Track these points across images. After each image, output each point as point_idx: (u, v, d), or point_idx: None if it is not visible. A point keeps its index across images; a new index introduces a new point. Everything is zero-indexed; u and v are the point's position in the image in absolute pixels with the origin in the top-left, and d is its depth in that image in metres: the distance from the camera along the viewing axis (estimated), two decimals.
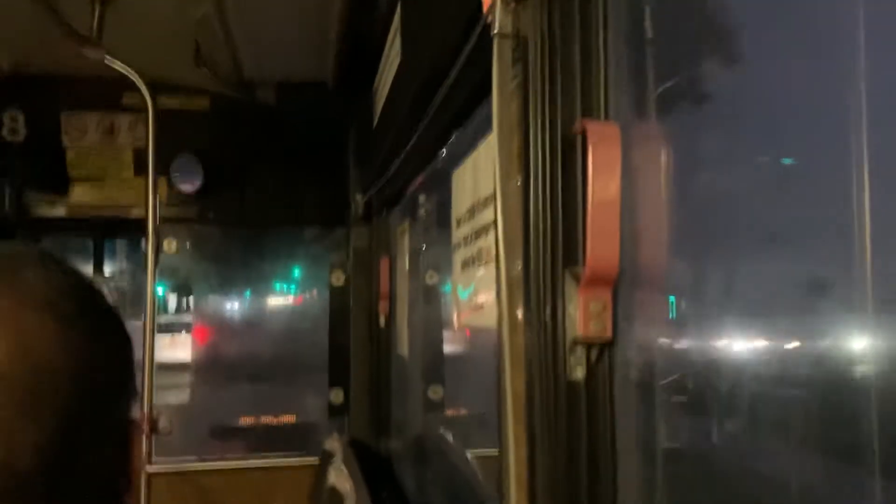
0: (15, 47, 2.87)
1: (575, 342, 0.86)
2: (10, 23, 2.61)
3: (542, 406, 0.89)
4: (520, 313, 0.94)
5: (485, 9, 1.15)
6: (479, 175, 1.44)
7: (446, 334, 2.49)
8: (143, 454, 2.63)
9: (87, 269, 3.68)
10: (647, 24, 0.96)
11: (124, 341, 0.71)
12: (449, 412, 2.50)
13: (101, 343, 0.67)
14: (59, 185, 3.19)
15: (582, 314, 0.84)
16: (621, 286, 0.87)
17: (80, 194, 3.22)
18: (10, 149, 3.10)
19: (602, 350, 0.86)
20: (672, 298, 1.03)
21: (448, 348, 2.49)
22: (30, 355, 0.60)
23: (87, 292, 0.69)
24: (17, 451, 0.57)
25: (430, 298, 2.44)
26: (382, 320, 2.84)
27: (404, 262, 2.61)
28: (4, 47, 2.86)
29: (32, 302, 0.62)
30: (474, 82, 1.36)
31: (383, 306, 2.80)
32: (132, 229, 3.19)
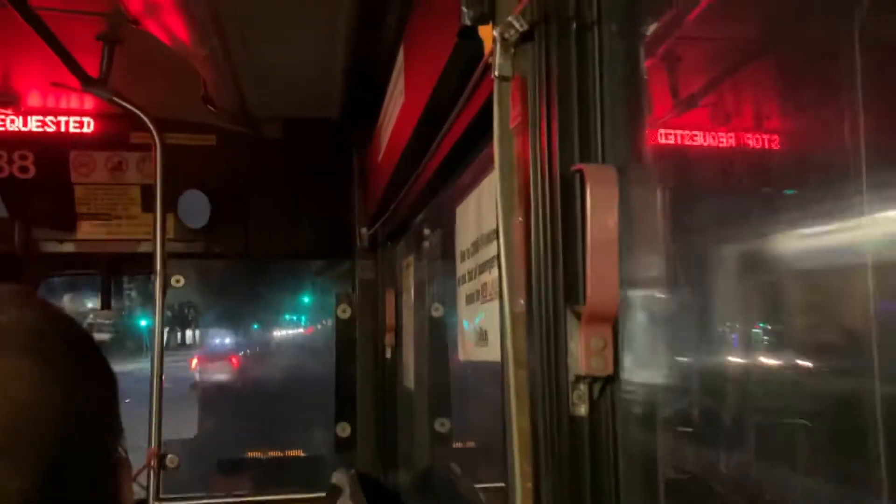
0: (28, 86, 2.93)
1: (577, 378, 0.87)
2: (24, 63, 2.67)
3: (546, 441, 0.90)
4: (523, 349, 0.96)
5: (486, 51, 1.18)
6: (483, 211, 1.47)
7: (453, 366, 2.50)
8: (152, 490, 2.63)
9: (95, 303, 3.71)
10: (643, 66, 0.99)
11: (107, 378, 0.70)
12: (456, 445, 2.50)
13: (83, 382, 0.65)
14: (68, 221, 3.22)
15: (583, 351, 0.86)
16: (621, 322, 0.88)
17: (89, 230, 3.26)
18: (20, 186, 3.14)
19: (604, 386, 0.88)
20: (671, 332, 1.04)
21: (455, 381, 2.50)
22: (10, 401, 0.58)
23: (68, 331, 0.68)
24: (2, 499, 0.56)
25: (435, 331, 2.45)
26: (389, 353, 2.85)
27: (410, 295, 2.63)
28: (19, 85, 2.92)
29: (10, 345, 0.61)
30: (477, 121, 1.39)
31: (389, 339, 2.82)
32: (140, 264, 3.22)
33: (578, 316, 0.87)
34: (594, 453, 0.88)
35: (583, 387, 0.87)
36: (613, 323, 0.87)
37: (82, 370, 0.66)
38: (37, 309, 0.67)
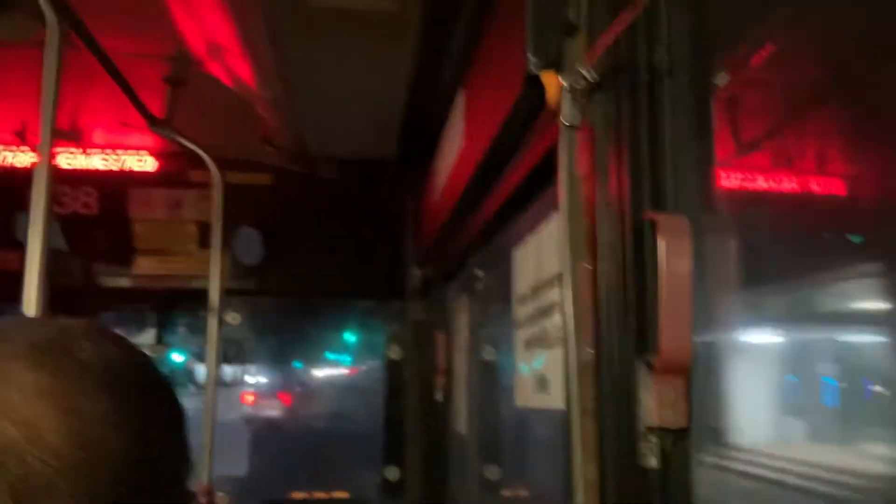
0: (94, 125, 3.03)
1: (648, 430, 0.86)
2: (91, 102, 2.77)
3: (615, 494, 0.89)
4: (591, 398, 0.95)
5: (549, 99, 1.19)
6: (543, 255, 1.46)
7: (506, 412, 2.47)
8: None
9: (149, 338, 3.77)
10: (713, 115, 0.99)
11: (178, 414, 0.70)
12: (508, 493, 2.45)
13: (155, 419, 0.66)
14: (126, 256, 3.30)
15: (656, 402, 0.85)
16: (695, 373, 0.87)
17: (146, 266, 3.32)
18: (82, 221, 3.23)
19: (677, 438, 0.86)
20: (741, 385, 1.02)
21: (509, 426, 2.46)
22: (87, 439, 0.59)
23: (141, 366, 0.69)
24: None
25: (488, 375, 2.44)
26: (439, 396, 2.83)
27: (462, 337, 2.62)
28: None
29: (86, 382, 0.62)
30: (538, 165, 1.40)
31: (440, 381, 2.80)
32: (194, 300, 3.27)
33: (650, 366, 0.86)
34: None
35: (654, 439, 0.86)
36: (687, 374, 0.86)
37: (156, 408, 0.67)
38: (112, 344, 0.68)
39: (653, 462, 0.86)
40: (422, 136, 2.62)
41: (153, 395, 0.68)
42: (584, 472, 0.92)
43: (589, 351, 0.95)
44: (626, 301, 0.91)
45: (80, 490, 0.58)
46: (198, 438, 2.70)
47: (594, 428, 0.92)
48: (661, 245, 0.86)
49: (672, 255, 0.85)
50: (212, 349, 2.77)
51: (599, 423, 0.92)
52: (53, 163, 1.54)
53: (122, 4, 2.06)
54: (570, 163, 1.06)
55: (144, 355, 0.71)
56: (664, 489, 0.86)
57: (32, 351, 0.62)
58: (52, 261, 1.43)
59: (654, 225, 0.88)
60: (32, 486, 0.57)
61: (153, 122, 2.64)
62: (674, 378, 0.85)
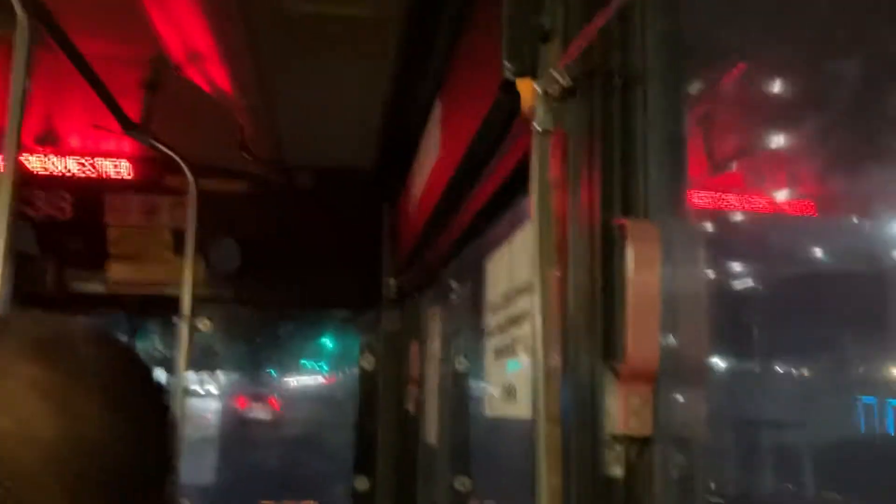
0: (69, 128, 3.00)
1: (614, 438, 0.85)
2: (66, 105, 2.74)
3: (578, 503, 0.87)
4: (557, 405, 0.94)
5: (523, 105, 1.19)
6: (515, 263, 1.45)
7: (476, 422, 2.46)
8: None
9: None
10: (686, 123, 0.99)
11: (169, 421, 0.71)
12: None
13: (149, 424, 0.67)
14: (99, 261, 3.26)
15: (621, 409, 0.84)
16: (661, 381, 0.86)
17: (119, 271, 3.28)
18: (56, 226, 3.19)
19: (642, 447, 0.85)
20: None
21: (480, 437, 2.45)
22: (79, 438, 0.60)
23: (138, 371, 0.70)
24: None
25: (460, 385, 2.42)
26: (411, 406, 2.81)
27: (435, 347, 2.60)
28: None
29: (85, 382, 0.63)
30: (512, 173, 1.39)
31: (413, 391, 2.79)
32: (168, 307, 3.23)
33: (616, 373, 0.85)
34: None
35: (619, 447, 0.85)
36: (654, 381, 0.85)
37: (150, 412, 0.68)
38: (113, 348, 0.69)
39: (617, 471, 0.85)
40: (400, 145, 2.61)
41: (147, 401, 0.69)
42: (548, 480, 0.91)
43: (556, 357, 0.94)
44: (594, 308, 0.90)
45: (69, 487, 0.58)
46: None
47: (559, 436, 0.91)
48: (630, 251, 0.85)
49: (641, 261, 0.84)
50: (182, 356, 2.74)
51: (564, 431, 0.91)
52: (21, 165, 1.51)
53: (97, 5, 2.04)
54: (543, 169, 1.05)
55: (142, 362, 0.72)
56: (628, 498, 0.85)
57: (35, 346, 0.63)
58: (23, 265, 1.41)
59: (623, 231, 0.88)
60: (21, 479, 0.57)
61: (129, 126, 2.61)
62: (640, 385, 0.84)
